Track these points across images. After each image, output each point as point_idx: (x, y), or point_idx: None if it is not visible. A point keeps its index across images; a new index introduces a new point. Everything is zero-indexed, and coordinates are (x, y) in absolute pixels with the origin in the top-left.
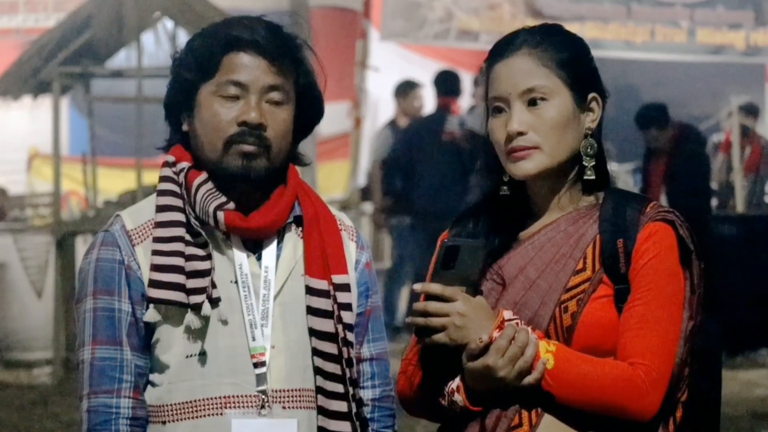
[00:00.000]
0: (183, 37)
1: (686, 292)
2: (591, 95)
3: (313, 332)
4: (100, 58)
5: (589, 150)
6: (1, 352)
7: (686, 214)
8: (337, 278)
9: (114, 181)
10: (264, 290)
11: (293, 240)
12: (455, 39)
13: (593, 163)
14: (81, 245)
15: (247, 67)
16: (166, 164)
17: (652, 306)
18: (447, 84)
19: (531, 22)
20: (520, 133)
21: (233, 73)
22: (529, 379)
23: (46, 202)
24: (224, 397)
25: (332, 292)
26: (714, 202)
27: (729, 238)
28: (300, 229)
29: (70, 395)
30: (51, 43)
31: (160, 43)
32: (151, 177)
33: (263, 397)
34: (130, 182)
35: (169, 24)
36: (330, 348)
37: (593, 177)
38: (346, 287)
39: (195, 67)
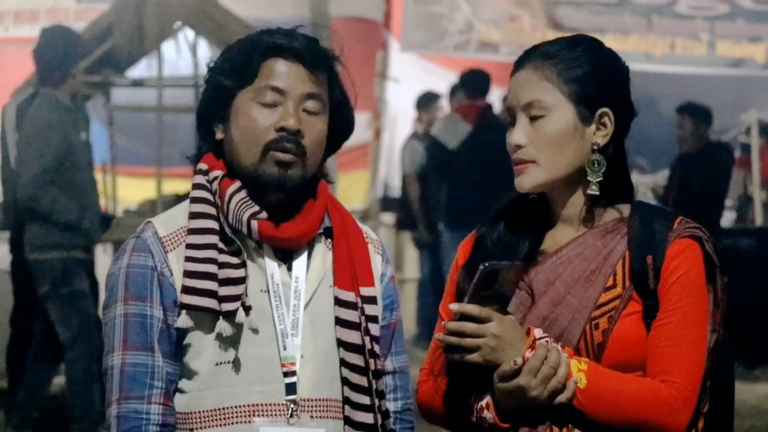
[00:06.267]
0: (203, 47)
1: (710, 306)
2: (601, 111)
3: (341, 343)
4: (120, 68)
5: (594, 166)
6: None
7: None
8: (365, 290)
9: (134, 190)
10: (294, 300)
11: (322, 251)
12: (475, 50)
13: (599, 178)
14: (100, 254)
15: (286, 73)
16: (199, 172)
17: (681, 324)
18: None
19: (551, 34)
20: (519, 147)
21: (272, 79)
22: (561, 398)
23: None
24: (253, 405)
25: (360, 304)
26: (733, 215)
27: (747, 251)
28: (329, 240)
29: None
30: None
31: (180, 53)
32: (171, 186)
33: (292, 406)
34: (150, 191)
35: (189, 34)
36: (357, 359)
37: (597, 192)
38: (373, 300)
39: (232, 74)
